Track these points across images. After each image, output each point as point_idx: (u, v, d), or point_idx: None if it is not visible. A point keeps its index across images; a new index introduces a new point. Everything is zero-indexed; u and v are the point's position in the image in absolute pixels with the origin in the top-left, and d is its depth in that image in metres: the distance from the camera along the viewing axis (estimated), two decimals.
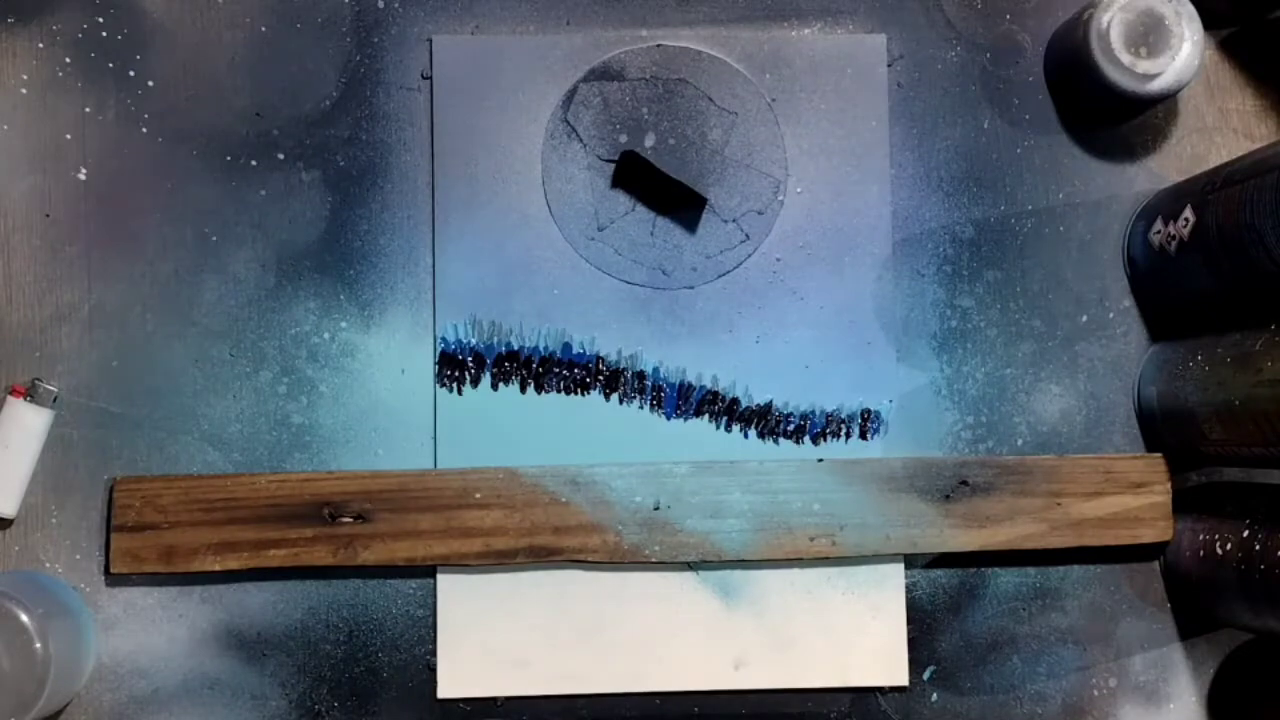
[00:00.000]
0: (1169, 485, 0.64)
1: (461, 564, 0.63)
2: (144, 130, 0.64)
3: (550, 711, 0.64)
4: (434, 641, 0.64)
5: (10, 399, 0.62)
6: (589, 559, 0.63)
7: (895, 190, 0.66)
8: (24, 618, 0.57)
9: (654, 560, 0.63)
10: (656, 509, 0.63)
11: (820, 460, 0.64)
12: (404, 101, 0.65)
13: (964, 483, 0.64)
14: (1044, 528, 0.64)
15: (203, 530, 0.62)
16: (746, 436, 0.65)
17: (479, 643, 0.64)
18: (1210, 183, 0.59)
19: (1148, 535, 0.64)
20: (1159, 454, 0.65)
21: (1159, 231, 0.63)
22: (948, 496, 0.64)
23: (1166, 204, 0.63)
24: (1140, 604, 0.66)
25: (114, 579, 0.63)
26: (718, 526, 0.63)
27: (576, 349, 0.65)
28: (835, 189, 0.66)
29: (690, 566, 0.64)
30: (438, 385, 0.64)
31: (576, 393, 0.65)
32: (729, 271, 0.65)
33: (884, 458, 0.64)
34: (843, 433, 0.65)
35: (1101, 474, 0.64)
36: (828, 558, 0.64)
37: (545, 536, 0.63)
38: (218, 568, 0.62)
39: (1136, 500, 0.64)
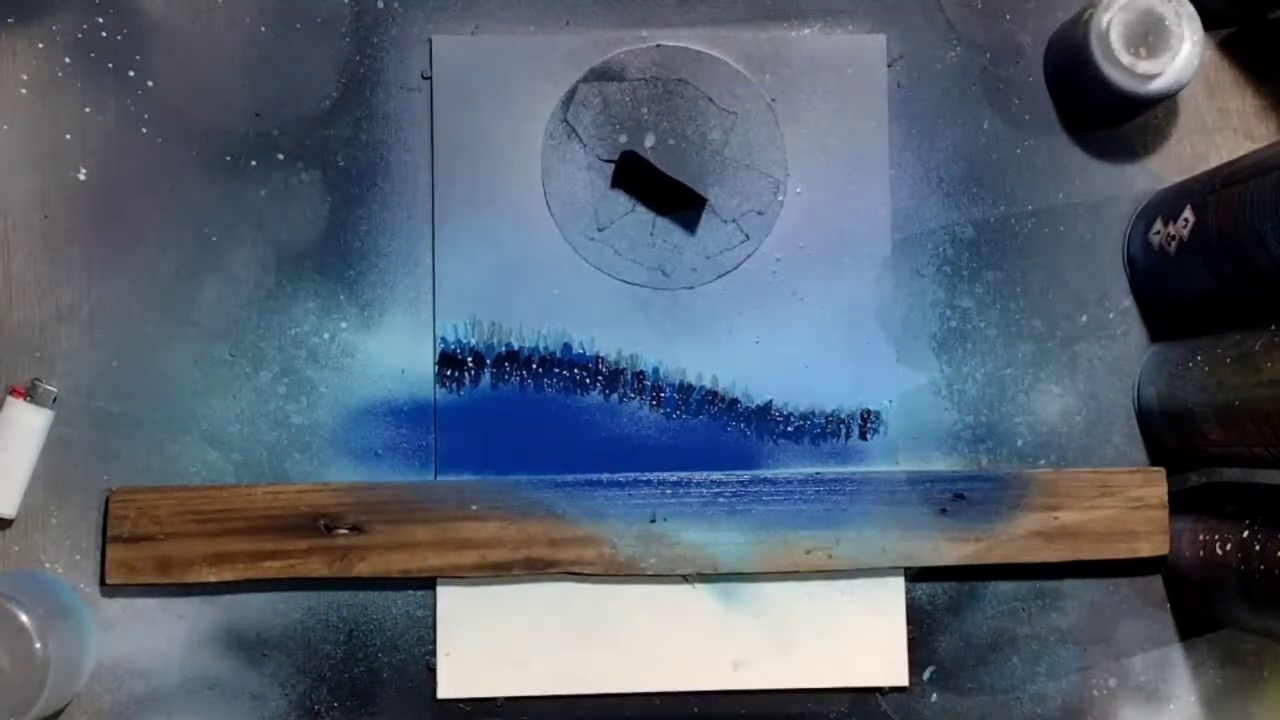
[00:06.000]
0: (1166, 499, 0.64)
1: (457, 576, 0.63)
2: (144, 130, 0.64)
3: (550, 711, 0.64)
4: (434, 642, 0.64)
5: (10, 399, 0.62)
6: (585, 571, 0.63)
7: (895, 190, 0.66)
8: (24, 618, 0.57)
9: (650, 573, 0.63)
10: (653, 521, 0.63)
11: (817, 472, 0.64)
12: (404, 101, 0.65)
13: (960, 496, 0.64)
14: (1040, 541, 0.63)
15: (198, 541, 0.62)
16: (746, 437, 0.65)
17: (479, 643, 0.64)
18: (1210, 183, 0.59)
19: (1144, 549, 0.64)
20: (1156, 467, 0.65)
21: (1159, 231, 0.62)
22: (944, 510, 0.64)
23: (1166, 204, 0.63)
24: (1140, 604, 0.66)
25: (109, 590, 0.63)
26: (714, 539, 0.63)
27: (576, 349, 0.65)
28: (835, 189, 0.66)
29: (686, 579, 0.64)
30: (437, 385, 0.64)
31: (576, 393, 0.65)
32: (729, 272, 0.65)
33: (881, 470, 0.64)
34: (842, 433, 0.65)
35: (1098, 487, 0.64)
36: (824, 571, 0.64)
37: (541, 549, 0.63)
38: (213, 579, 0.62)
39: (1133, 513, 0.64)
